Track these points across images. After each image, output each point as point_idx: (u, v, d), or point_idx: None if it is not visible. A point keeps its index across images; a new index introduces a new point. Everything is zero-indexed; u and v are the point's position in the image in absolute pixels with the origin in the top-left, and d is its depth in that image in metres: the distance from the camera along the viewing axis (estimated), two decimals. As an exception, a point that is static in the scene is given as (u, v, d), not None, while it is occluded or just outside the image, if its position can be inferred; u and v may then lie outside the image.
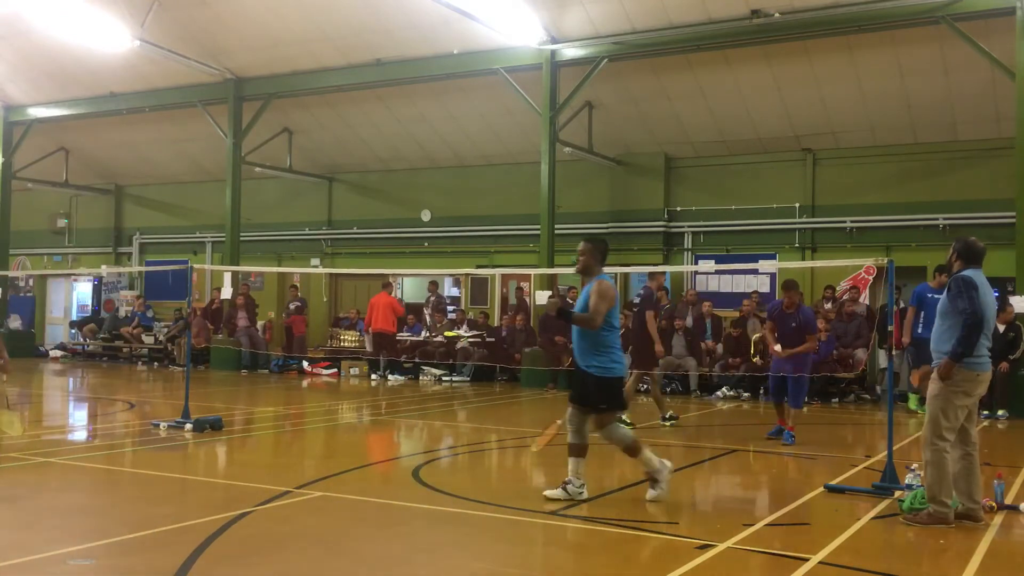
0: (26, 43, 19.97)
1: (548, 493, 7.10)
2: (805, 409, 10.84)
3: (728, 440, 10.91)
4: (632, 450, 7.12)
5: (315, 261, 22.64)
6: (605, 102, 18.45)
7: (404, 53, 18.10)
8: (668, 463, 7.17)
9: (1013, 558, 5.97)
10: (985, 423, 12.59)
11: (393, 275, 20.57)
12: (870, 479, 7.82)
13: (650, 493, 7.06)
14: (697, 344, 16.50)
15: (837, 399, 15.28)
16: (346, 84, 19.29)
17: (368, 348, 19.35)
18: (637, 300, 12.24)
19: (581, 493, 7.06)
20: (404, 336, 19.35)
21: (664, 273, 14.01)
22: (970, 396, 6.53)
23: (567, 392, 16.56)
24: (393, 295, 19.81)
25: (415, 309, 20.63)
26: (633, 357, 12.18)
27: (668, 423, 11.79)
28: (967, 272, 6.59)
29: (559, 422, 7.69)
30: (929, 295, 12.39)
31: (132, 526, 6.04)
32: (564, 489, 7.06)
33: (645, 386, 16.42)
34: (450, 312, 20.34)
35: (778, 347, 10.58)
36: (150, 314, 23.49)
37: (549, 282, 18.03)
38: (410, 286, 22.62)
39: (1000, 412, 13.30)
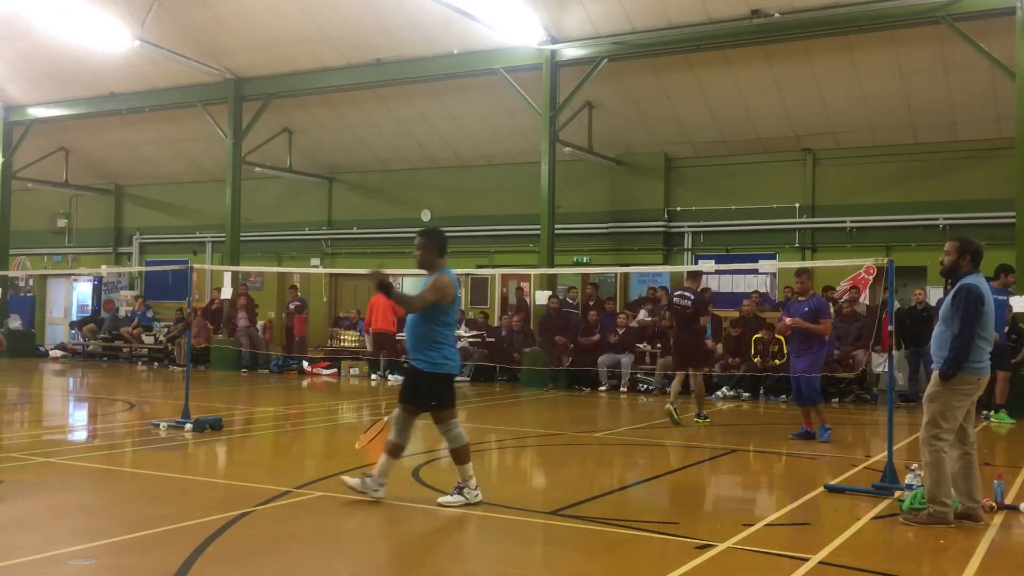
0: (26, 43, 19.97)
1: (348, 480, 6.93)
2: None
3: (728, 440, 10.91)
4: (459, 456, 6.85)
5: (315, 261, 22.64)
6: (605, 102, 18.45)
7: (404, 53, 18.10)
8: (478, 494, 6.83)
9: (1013, 558, 5.97)
10: (984, 423, 12.59)
11: (393, 275, 20.51)
12: (870, 479, 7.82)
13: (444, 498, 6.83)
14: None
15: (837, 399, 15.28)
16: (346, 84, 19.29)
17: (368, 348, 19.35)
18: (687, 303, 12.23)
19: (377, 491, 6.83)
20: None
21: (701, 274, 14.04)
22: (969, 398, 6.54)
23: (566, 392, 16.64)
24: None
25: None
26: (677, 357, 12.46)
27: (701, 420, 12.07)
28: (973, 281, 6.54)
29: (386, 419, 7.57)
30: (993, 297, 12.21)
31: (132, 526, 6.04)
32: (363, 481, 6.87)
33: (645, 386, 16.45)
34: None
35: (788, 319, 10.66)
36: (150, 314, 23.49)
37: (549, 282, 18.03)
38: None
39: (992, 413, 13.25)
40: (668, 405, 11.96)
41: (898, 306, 15.56)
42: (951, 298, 6.57)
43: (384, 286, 6.74)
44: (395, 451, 6.93)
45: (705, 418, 12.21)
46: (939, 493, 6.39)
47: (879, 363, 15.06)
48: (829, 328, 10.97)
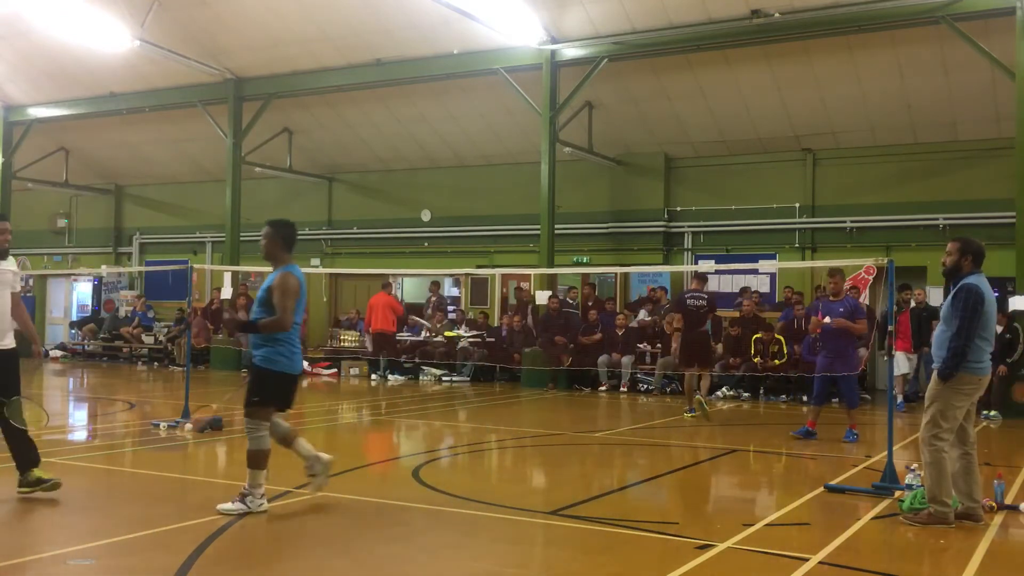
0: (26, 43, 19.97)
1: (308, 487, 6.84)
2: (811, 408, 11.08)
3: (728, 440, 10.91)
4: (254, 460, 6.46)
5: (315, 261, 22.64)
6: (605, 102, 18.45)
7: (404, 53, 18.10)
8: (264, 504, 6.50)
9: (1013, 558, 5.98)
10: (984, 423, 12.59)
11: (393, 275, 20.57)
12: (870, 479, 7.82)
13: (224, 505, 6.43)
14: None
15: (837, 399, 15.24)
16: (346, 84, 19.28)
17: (368, 348, 19.36)
18: (703, 303, 12.73)
19: (314, 467, 6.80)
20: (404, 336, 19.35)
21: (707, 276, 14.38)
22: (970, 398, 6.54)
23: (566, 392, 16.64)
24: (392, 295, 19.78)
25: (414, 309, 20.68)
26: (686, 356, 12.77)
27: (690, 415, 12.49)
28: (974, 280, 6.53)
29: (214, 406, 7.27)
30: None
31: (132, 526, 6.04)
32: (313, 478, 6.83)
33: (645, 386, 16.45)
34: (450, 312, 20.34)
35: (827, 319, 10.73)
36: (151, 314, 23.48)
37: (549, 282, 18.03)
38: (410, 286, 22.62)
39: (992, 413, 13.28)
40: (693, 409, 12.45)
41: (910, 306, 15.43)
42: (951, 298, 6.57)
43: (249, 326, 6.62)
44: (285, 442, 6.80)
45: (695, 414, 12.46)
46: (939, 492, 6.39)
47: (904, 366, 14.67)
48: (866, 327, 11.04)
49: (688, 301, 12.69)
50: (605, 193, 19.64)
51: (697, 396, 12.45)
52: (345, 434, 11.83)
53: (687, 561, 5.41)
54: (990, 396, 12.88)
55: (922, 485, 6.98)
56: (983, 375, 6.54)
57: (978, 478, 6.60)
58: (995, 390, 13.15)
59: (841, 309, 10.74)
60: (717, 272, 18.30)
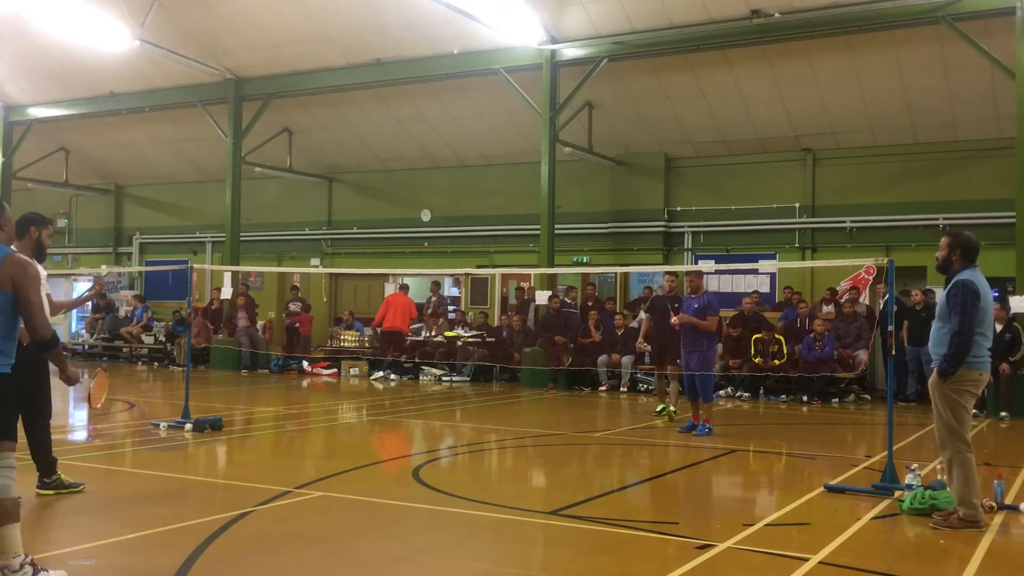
0: (26, 43, 19.96)
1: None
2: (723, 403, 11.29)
3: (728, 440, 10.90)
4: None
5: (315, 261, 22.64)
6: (605, 102, 18.45)
7: (404, 53, 18.10)
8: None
9: (1013, 558, 5.97)
10: (985, 423, 12.58)
11: (393, 275, 20.58)
12: (870, 479, 7.83)
13: None
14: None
15: (837, 399, 15.27)
16: (346, 84, 19.29)
17: (377, 344, 19.37)
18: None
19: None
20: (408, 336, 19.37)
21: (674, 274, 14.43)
22: (974, 394, 6.53)
23: (566, 392, 16.62)
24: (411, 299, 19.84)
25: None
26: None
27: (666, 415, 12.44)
28: (968, 275, 6.51)
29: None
30: None
31: (132, 526, 6.04)
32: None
33: (645, 386, 16.45)
34: (451, 312, 20.33)
35: (674, 318, 11.18)
36: (149, 315, 23.47)
37: (549, 282, 18.03)
38: (414, 285, 22.61)
39: (1002, 414, 13.25)
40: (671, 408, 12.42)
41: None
42: (945, 295, 6.56)
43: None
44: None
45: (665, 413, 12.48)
46: (968, 495, 6.35)
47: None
48: (714, 324, 11.25)
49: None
50: (605, 193, 19.64)
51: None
52: (345, 434, 11.84)
53: (687, 561, 5.41)
54: (994, 396, 12.87)
55: (921, 485, 6.99)
56: (983, 370, 6.52)
57: (976, 478, 6.59)
58: (1003, 391, 13.16)
59: (696, 306, 11.04)
60: (717, 272, 18.31)
